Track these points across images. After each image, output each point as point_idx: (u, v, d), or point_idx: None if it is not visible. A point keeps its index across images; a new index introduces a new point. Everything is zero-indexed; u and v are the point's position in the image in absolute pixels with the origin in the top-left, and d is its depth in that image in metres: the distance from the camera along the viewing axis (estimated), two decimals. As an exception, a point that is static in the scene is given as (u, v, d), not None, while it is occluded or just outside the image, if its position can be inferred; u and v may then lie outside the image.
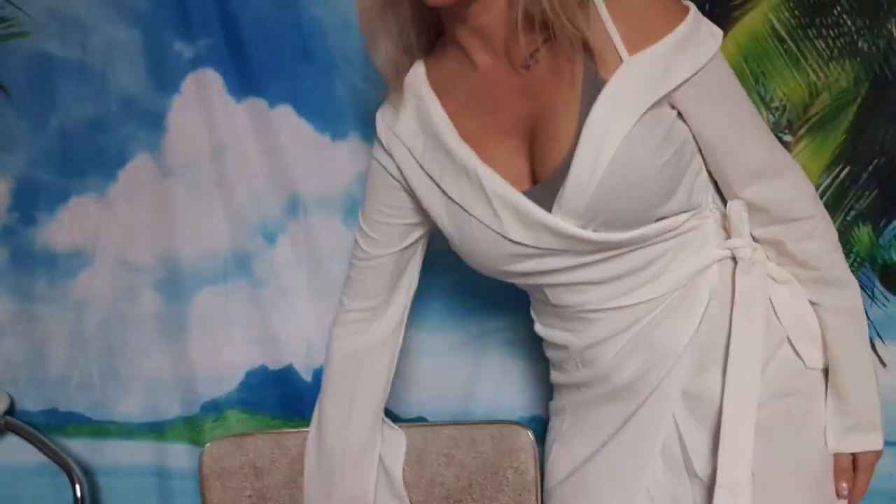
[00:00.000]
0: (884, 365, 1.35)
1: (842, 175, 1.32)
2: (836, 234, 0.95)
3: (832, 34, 1.29)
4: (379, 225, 1.04)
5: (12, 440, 1.45)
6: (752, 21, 1.29)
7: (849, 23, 1.29)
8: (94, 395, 1.45)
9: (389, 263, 1.06)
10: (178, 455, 1.44)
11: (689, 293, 0.91)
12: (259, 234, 1.39)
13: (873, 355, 0.96)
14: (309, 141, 1.35)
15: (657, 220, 0.87)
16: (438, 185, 0.94)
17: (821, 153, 1.32)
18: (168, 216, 1.40)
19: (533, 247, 0.88)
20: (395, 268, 1.07)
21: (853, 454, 0.97)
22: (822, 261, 0.94)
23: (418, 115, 0.95)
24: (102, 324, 1.43)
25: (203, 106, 1.36)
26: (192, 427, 1.43)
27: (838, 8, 1.28)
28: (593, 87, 0.84)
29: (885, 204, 1.32)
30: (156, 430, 1.44)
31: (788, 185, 0.92)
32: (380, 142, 1.00)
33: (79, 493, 1.41)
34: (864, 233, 1.33)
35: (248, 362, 1.41)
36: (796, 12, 1.29)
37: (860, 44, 1.29)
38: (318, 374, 1.40)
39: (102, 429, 1.45)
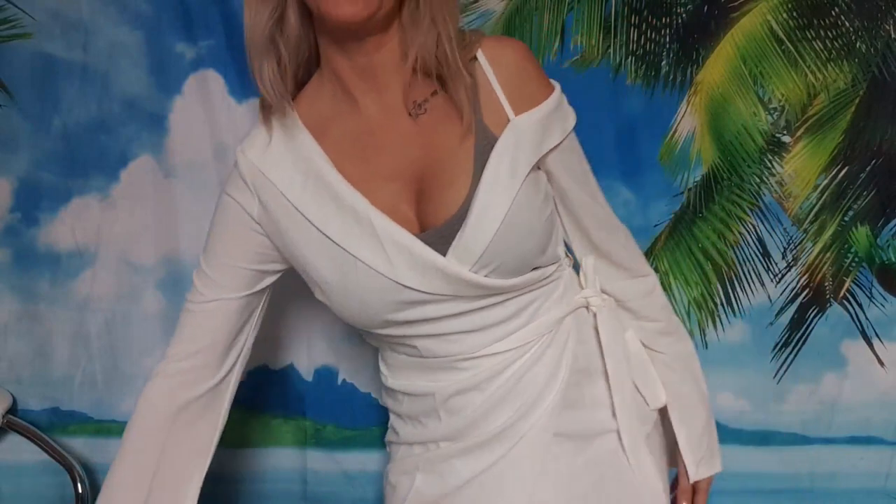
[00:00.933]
0: (882, 365, 1.36)
1: (840, 175, 1.33)
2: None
3: (830, 35, 1.30)
4: (226, 268, 0.94)
5: (14, 439, 1.45)
6: (750, 22, 1.30)
7: (847, 24, 1.29)
8: (96, 395, 1.45)
9: (231, 311, 0.95)
10: (180, 454, 1.44)
11: (554, 340, 0.95)
12: (260, 235, 1.39)
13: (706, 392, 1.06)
14: (310, 141, 1.35)
15: (534, 269, 0.92)
16: (319, 230, 0.88)
17: (819, 153, 1.32)
18: (170, 216, 1.40)
19: (423, 292, 0.87)
20: (237, 317, 0.96)
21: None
22: (661, 314, 1.03)
23: (292, 155, 0.90)
24: (105, 323, 1.43)
25: (205, 106, 1.36)
26: (193, 426, 1.43)
27: (836, 9, 1.29)
28: (485, 139, 0.87)
29: (883, 204, 1.33)
30: (157, 429, 1.44)
31: (623, 239, 1.01)
32: (242, 179, 0.91)
33: (80, 492, 1.41)
34: (862, 233, 1.34)
35: (248, 362, 1.41)
36: (794, 13, 1.29)
37: (858, 45, 1.30)
38: (318, 374, 1.41)
39: (105, 428, 1.45)
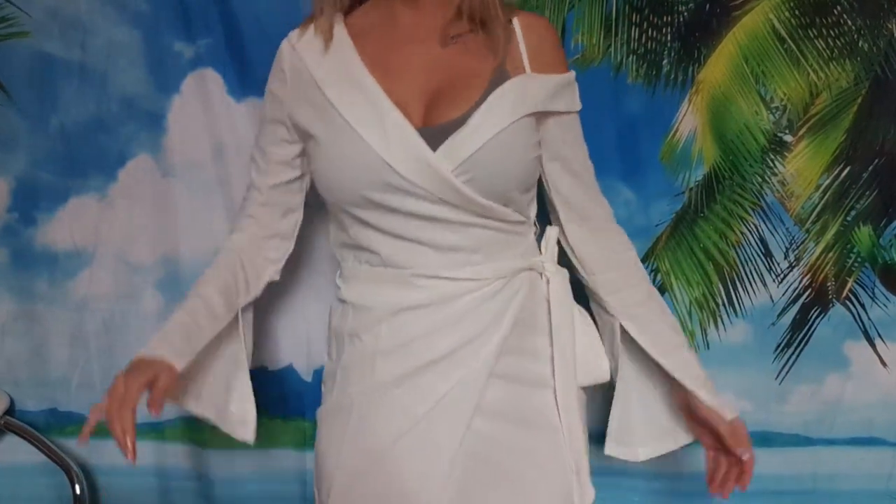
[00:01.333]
0: (885, 366, 1.36)
1: (842, 175, 1.32)
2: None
3: (832, 34, 1.29)
4: (271, 155, 1.10)
5: (12, 440, 1.45)
6: (752, 21, 1.29)
7: (849, 22, 1.29)
8: (94, 395, 1.44)
9: (280, 196, 1.12)
10: (178, 455, 1.44)
11: (507, 286, 1.04)
12: (259, 234, 1.39)
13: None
14: (309, 141, 1.35)
15: (505, 206, 1.01)
16: (330, 101, 1.00)
17: (821, 153, 1.32)
18: (168, 216, 1.40)
19: (405, 178, 0.96)
20: (286, 199, 1.13)
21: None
22: (637, 270, 1.14)
23: (328, 46, 1.03)
24: (103, 324, 1.43)
25: (203, 106, 1.36)
26: (191, 427, 1.42)
27: (839, 8, 1.28)
28: (501, 76, 1.00)
29: (886, 204, 1.32)
30: (155, 430, 1.44)
31: (603, 212, 1.14)
32: (280, 66, 1.07)
33: (78, 493, 1.40)
34: (864, 233, 1.33)
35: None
36: (797, 12, 1.29)
37: (860, 43, 1.29)
38: (318, 374, 1.40)
39: (103, 429, 1.43)
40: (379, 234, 1.02)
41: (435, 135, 0.97)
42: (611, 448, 1.14)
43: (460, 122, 0.97)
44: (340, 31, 1.04)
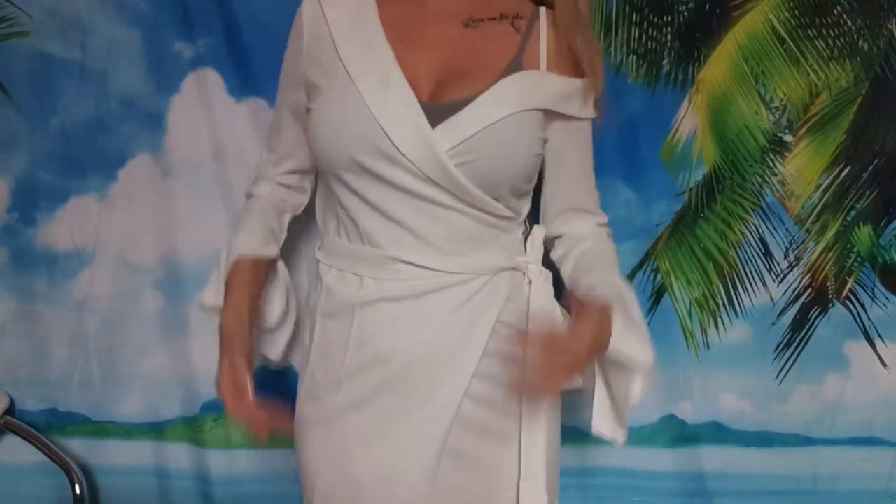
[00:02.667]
0: (885, 366, 1.36)
1: (842, 175, 1.32)
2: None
3: (832, 34, 1.29)
4: (292, 106, 1.08)
5: (12, 440, 1.45)
6: (752, 21, 1.29)
7: (849, 22, 1.29)
8: (94, 395, 1.45)
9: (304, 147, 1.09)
10: (178, 455, 1.44)
11: (488, 285, 1.01)
12: (259, 234, 1.39)
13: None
14: (309, 141, 1.35)
15: (496, 200, 0.99)
16: (340, 58, 0.98)
17: (821, 153, 1.32)
18: (168, 216, 1.40)
19: (397, 148, 0.94)
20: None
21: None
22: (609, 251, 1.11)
23: (352, 6, 1.02)
24: (103, 324, 1.43)
25: (203, 106, 1.36)
26: (192, 427, 1.43)
27: (838, 8, 1.28)
28: (516, 66, 1.00)
29: (886, 204, 1.32)
30: (156, 430, 1.44)
31: (593, 202, 1.12)
32: (300, 23, 1.05)
33: (78, 493, 1.40)
34: (864, 233, 1.33)
35: (248, 362, 1.41)
36: (796, 12, 1.29)
37: (860, 43, 1.29)
38: (318, 375, 1.39)
39: (102, 429, 1.45)
40: (363, 206, 0.99)
41: (438, 111, 0.95)
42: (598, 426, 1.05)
43: (465, 103, 0.96)
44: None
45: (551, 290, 1.08)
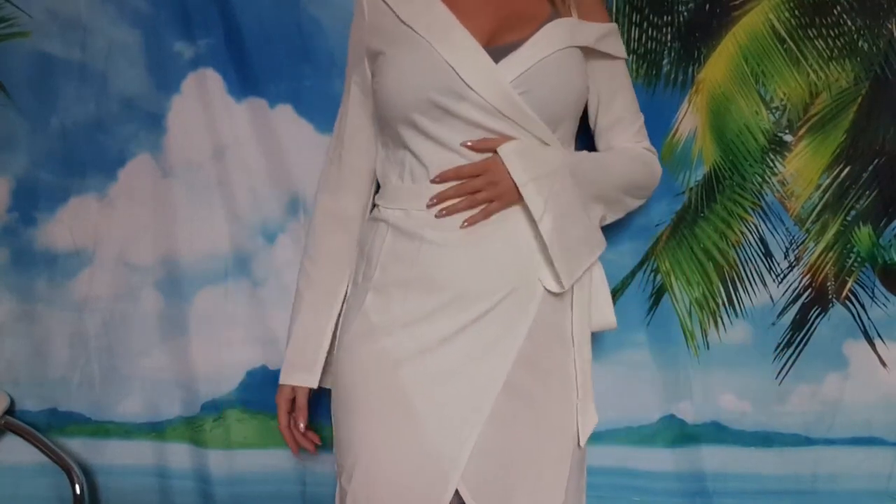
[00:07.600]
0: (885, 366, 1.35)
1: (842, 175, 1.32)
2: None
3: (832, 34, 1.29)
4: (359, 91, 1.17)
5: (12, 440, 1.45)
6: (752, 21, 1.29)
7: (849, 23, 1.29)
8: (94, 395, 1.45)
9: (368, 138, 1.18)
10: (178, 455, 1.44)
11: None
12: (259, 234, 1.39)
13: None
14: (309, 141, 1.35)
15: (554, 132, 1.10)
16: (402, 20, 1.08)
17: (821, 153, 1.32)
18: (168, 216, 1.40)
19: (468, 84, 1.05)
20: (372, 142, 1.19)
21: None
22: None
23: None
24: (103, 324, 1.43)
25: (203, 106, 1.36)
26: (192, 427, 1.43)
27: (838, 8, 1.28)
28: (554, 15, 1.13)
29: (886, 204, 1.32)
30: (156, 429, 1.44)
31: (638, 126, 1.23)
32: (360, 4, 1.15)
33: (78, 493, 1.40)
34: (864, 233, 1.33)
35: (248, 362, 1.41)
36: (796, 12, 1.29)
37: (860, 43, 1.29)
38: (318, 374, 1.39)
39: (102, 429, 1.45)
40: (432, 144, 1.08)
41: (496, 52, 1.07)
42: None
43: (519, 44, 1.08)
44: None
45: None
